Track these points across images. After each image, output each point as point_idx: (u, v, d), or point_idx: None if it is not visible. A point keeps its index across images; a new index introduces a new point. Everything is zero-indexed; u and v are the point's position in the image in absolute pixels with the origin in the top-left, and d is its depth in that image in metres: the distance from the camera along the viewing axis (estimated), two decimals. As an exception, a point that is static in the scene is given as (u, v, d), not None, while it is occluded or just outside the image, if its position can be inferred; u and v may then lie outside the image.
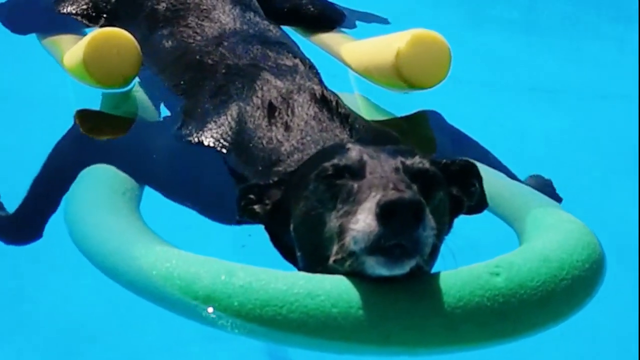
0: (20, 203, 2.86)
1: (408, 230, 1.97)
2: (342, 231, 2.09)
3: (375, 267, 2.01)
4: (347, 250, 2.05)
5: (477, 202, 2.50)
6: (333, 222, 2.14)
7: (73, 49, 3.36)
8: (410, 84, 3.39)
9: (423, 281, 2.09)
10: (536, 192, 2.95)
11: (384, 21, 4.79)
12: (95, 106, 3.32)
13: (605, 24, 5.44)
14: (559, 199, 3.14)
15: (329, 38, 4.12)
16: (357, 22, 4.57)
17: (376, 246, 1.99)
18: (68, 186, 2.80)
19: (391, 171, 2.14)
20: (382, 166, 2.16)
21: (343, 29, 4.29)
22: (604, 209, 3.35)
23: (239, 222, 2.53)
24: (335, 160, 2.21)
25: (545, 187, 3.23)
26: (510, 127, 4.02)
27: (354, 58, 3.76)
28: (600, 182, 3.68)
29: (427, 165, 2.23)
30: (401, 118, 3.41)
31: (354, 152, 2.23)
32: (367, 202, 2.02)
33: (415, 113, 3.44)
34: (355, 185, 2.13)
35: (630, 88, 4.29)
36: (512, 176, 3.17)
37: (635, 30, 4.96)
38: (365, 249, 2.00)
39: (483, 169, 2.62)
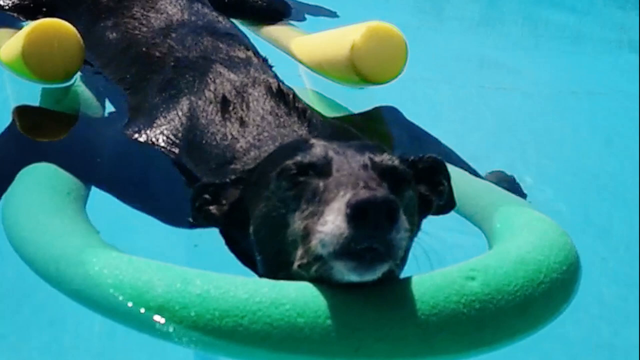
0: None
1: (381, 232, 1.81)
2: (307, 233, 1.93)
3: (345, 272, 1.85)
4: (313, 254, 1.89)
5: (445, 202, 2.35)
6: (297, 223, 1.98)
7: (10, 41, 3.18)
8: (366, 79, 3.26)
9: (394, 287, 1.94)
10: (501, 189, 2.83)
11: (333, 14, 4.67)
12: (35, 102, 3.11)
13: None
14: (523, 195, 3.02)
15: (277, 31, 3.99)
16: (306, 15, 4.42)
17: (346, 250, 1.83)
18: (5, 187, 2.60)
19: (359, 168, 1.98)
20: (349, 163, 2.00)
21: (291, 22, 4.13)
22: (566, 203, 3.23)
23: (192, 225, 2.35)
24: (299, 158, 2.05)
25: (508, 183, 3.11)
26: (467, 123, 3.90)
27: (306, 52, 3.61)
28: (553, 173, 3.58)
29: (396, 162, 2.08)
30: (357, 114, 3.27)
31: (319, 148, 2.07)
32: (336, 201, 1.86)
33: (372, 109, 3.32)
34: (321, 184, 1.97)
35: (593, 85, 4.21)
36: (474, 173, 3.05)
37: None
38: (333, 252, 1.84)
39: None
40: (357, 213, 1.80)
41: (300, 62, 3.63)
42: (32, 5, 3.67)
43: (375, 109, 3.31)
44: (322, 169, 2.01)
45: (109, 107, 3.17)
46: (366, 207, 1.79)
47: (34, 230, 2.25)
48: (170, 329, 1.91)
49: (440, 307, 1.91)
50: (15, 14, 3.67)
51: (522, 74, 4.61)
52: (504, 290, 1.99)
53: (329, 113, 3.11)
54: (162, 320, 1.92)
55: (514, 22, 5.64)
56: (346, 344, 1.86)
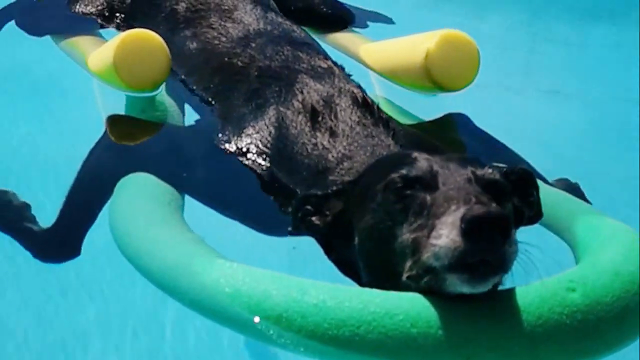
0: (57, 217, 2.75)
1: (494, 246, 1.89)
2: (416, 246, 2.02)
3: (458, 284, 1.94)
4: (424, 266, 1.98)
5: (534, 213, 2.43)
6: (405, 236, 2.07)
7: (99, 51, 3.27)
8: (440, 86, 3.33)
9: (501, 298, 2.03)
10: (575, 198, 2.89)
11: (389, 21, 4.73)
12: (121, 111, 3.21)
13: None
14: (588, 203, 3.10)
15: (344, 38, 4.06)
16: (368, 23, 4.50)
17: (460, 263, 1.91)
18: (106, 197, 2.71)
19: (465, 182, 2.06)
20: (454, 177, 2.08)
21: (355, 29, 4.22)
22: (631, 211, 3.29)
23: (287, 233, 2.45)
24: (404, 171, 2.14)
25: (574, 191, 3.18)
26: (529, 130, 3.96)
27: (377, 59, 3.70)
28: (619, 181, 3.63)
29: (497, 175, 2.16)
30: (429, 121, 3.35)
31: (423, 162, 2.15)
32: (448, 215, 1.94)
33: (442, 116, 3.39)
34: (428, 197, 2.06)
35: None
36: (545, 180, 3.12)
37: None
38: (447, 265, 1.93)
39: None
40: (472, 228, 1.88)
41: (371, 68, 3.69)
42: (108, 13, 3.76)
43: (446, 116, 3.38)
44: (429, 182, 2.10)
45: (190, 115, 3.23)
46: (481, 223, 1.87)
47: (145, 241, 2.35)
48: (288, 338, 2.00)
49: (545, 317, 1.99)
50: (93, 20, 3.76)
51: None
52: (602, 302, 2.07)
53: (400, 120, 3.19)
54: (280, 329, 2.00)
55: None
56: (457, 354, 1.94)
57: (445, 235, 1.92)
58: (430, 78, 3.31)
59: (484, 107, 3.88)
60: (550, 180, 3.23)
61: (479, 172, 2.12)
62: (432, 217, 1.99)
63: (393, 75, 3.58)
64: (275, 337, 2.02)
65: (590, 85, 4.59)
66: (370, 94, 3.21)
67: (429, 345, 1.94)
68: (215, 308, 2.08)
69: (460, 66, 3.30)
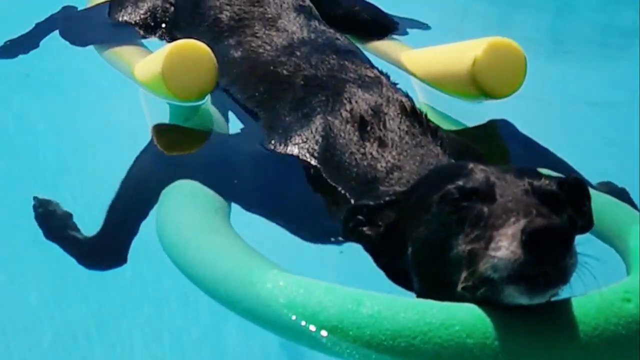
0: (102, 225, 2.77)
1: (555, 258, 1.89)
2: (473, 257, 2.02)
3: (516, 296, 1.94)
4: (481, 277, 1.98)
5: (586, 222, 2.43)
6: (461, 246, 2.07)
7: (146, 60, 3.29)
8: (486, 93, 3.32)
9: (557, 309, 2.02)
10: (624, 204, 2.88)
11: (425, 26, 4.74)
12: (166, 119, 3.23)
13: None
14: (636, 208, 3.08)
15: (385, 45, 4.08)
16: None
17: (520, 275, 1.91)
18: (151, 205, 2.73)
19: (522, 194, 2.06)
20: (511, 188, 2.08)
21: (395, 36, 4.23)
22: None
23: (335, 241, 2.46)
24: (461, 182, 2.14)
25: (621, 196, 3.16)
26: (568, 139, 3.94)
27: (420, 66, 3.69)
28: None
29: (554, 187, 2.16)
30: (473, 127, 3.35)
31: (480, 173, 2.16)
32: (508, 227, 1.94)
33: (486, 123, 3.38)
34: (486, 209, 2.06)
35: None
36: (590, 185, 3.10)
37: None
38: (506, 277, 1.92)
39: None
40: (534, 240, 1.88)
41: (414, 75, 3.70)
42: (153, 22, 3.79)
43: (490, 122, 3.37)
44: (486, 194, 2.10)
45: (234, 123, 3.25)
46: (543, 235, 1.87)
47: (197, 251, 2.36)
48: (343, 348, 2.00)
49: (601, 328, 2.00)
50: (136, 30, 3.78)
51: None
52: (656, 312, 2.07)
53: (445, 127, 3.19)
54: (335, 339, 2.01)
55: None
56: (516, 364, 1.94)
57: (505, 247, 1.92)
58: (476, 85, 3.31)
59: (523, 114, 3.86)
60: (594, 183, 3.20)
61: (536, 183, 2.12)
62: (490, 228, 1.99)
63: (437, 82, 3.58)
64: (330, 346, 2.02)
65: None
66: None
67: (485, 356, 1.96)
68: (271, 318, 2.09)
69: (507, 74, 3.30)
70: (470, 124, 3.42)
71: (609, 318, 2.01)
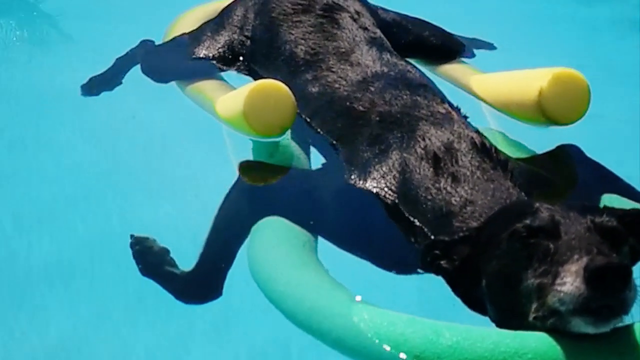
0: (198, 260, 2.99)
1: (616, 292, 2.08)
2: (541, 290, 2.21)
3: (582, 326, 2.13)
4: (550, 309, 2.18)
5: None
6: (530, 280, 2.26)
7: (227, 98, 3.50)
8: (552, 121, 3.49)
9: (622, 336, 2.19)
10: None
11: (491, 46, 4.87)
12: (249, 154, 3.44)
13: None
14: None
15: (454, 70, 4.22)
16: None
17: (584, 308, 2.10)
18: (243, 239, 2.93)
19: (585, 231, 2.25)
20: (575, 226, 2.27)
21: (464, 59, 4.38)
22: None
23: (419, 273, 2.65)
24: (528, 222, 2.33)
25: None
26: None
27: (490, 92, 3.86)
28: None
29: (614, 223, 2.34)
30: (542, 154, 3.50)
31: (545, 212, 2.35)
32: (572, 264, 2.14)
33: (555, 149, 3.53)
34: (552, 246, 2.25)
35: None
36: None
37: None
38: (572, 309, 2.12)
39: (632, 206, 2.77)
40: (595, 277, 2.07)
41: (483, 100, 3.87)
42: (231, 56, 4.00)
43: (559, 148, 3.51)
44: (551, 231, 2.29)
45: (314, 158, 3.45)
46: (604, 273, 2.07)
47: (288, 285, 2.58)
48: (424, 376, 2.21)
49: None
50: (215, 62, 3.99)
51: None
52: None
53: (515, 154, 3.36)
54: None
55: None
56: (584, 389, 2.13)
57: (570, 282, 2.12)
58: (543, 114, 3.47)
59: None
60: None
61: (597, 220, 2.31)
62: (556, 264, 2.19)
63: (505, 108, 3.74)
64: (413, 375, 2.22)
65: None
66: (484, 128, 3.39)
67: (558, 382, 2.12)
68: (357, 349, 2.30)
69: (572, 103, 3.46)
70: (540, 149, 3.55)
71: None
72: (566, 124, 3.52)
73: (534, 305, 2.24)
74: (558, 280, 2.16)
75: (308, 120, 3.49)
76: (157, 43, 4.40)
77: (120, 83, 4.26)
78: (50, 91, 4.42)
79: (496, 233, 2.41)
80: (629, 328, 2.21)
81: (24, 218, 3.48)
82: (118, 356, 2.89)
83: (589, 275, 2.09)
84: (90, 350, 2.92)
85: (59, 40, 5.27)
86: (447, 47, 4.34)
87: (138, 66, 4.26)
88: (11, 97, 4.46)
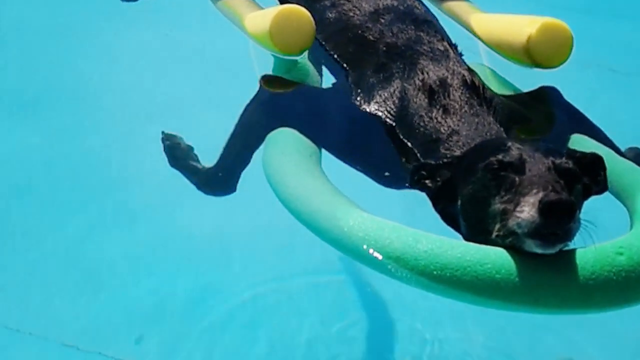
0: (218, 160, 3.50)
1: (562, 223, 2.59)
2: (504, 213, 2.70)
3: (533, 246, 2.62)
4: (508, 230, 2.67)
5: (600, 187, 3.10)
6: (496, 205, 2.75)
7: (256, 16, 3.92)
8: (537, 65, 3.95)
9: (564, 257, 2.68)
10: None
11: None
12: (269, 68, 3.90)
13: None
14: None
15: (457, 7, 4.59)
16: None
17: (536, 232, 2.60)
18: (258, 145, 3.41)
19: (545, 170, 2.74)
20: (537, 165, 2.76)
21: (469, -3, 4.77)
22: None
23: (407, 188, 3.15)
24: (500, 157, 2.81)
25: None
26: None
27: (485, 31, 4.28)
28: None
29: (571, 165, 2.82)
30: (525, 93, 3.92)
31: (515, 150, 2.83)
32: (530, 197, 2.62)
33: (537, 89, 3.94)
34: (517, 179, 2.73)
35: None
36: (619, 151, 3.71)
37: None
38: (526, 233, 2.62)
39: (596, 147, 3.24)
40: (547, 209, 2.58)
41: (479, 38, 4.31)
42: None
43: (540, 88, 3.92)
44: (518, 167, 2.77)
45: (326, 76, 3.90)
46: (554, 206, 2.57)
47: (295, 189, 3.06)
48: (402, 273, 2.72)
49: (597, 274, 2.64)
50: None
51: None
52: (643, 263, 2.73)
53: (501, 91, 3.81)
54: (397, 266, 2.73)
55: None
56: (529, 296, 2.63)
57: (527, 211, 2.61)
58: (529, 57, 3.92)
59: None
60: (623, 149, 3.79)
61: (557, 161, 2.78)
62: (518, 195, 2.68)
63: (497, 48, 4.19)
64: (393, 272, 2.74)
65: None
66: (476, 63, 3.86)
67: (509, 288, 2.62)
68: (350, 247, 2.80)
69: (557, 49, 3.91)
70: (525, 88, 4.00)
71: (604, 266, 2.65)
72: (550, 68, 3.97)
73: (497, 226, 2.72)
74: (518, 208, 2.64)
75: (323, 43, 3.91)
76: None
77: None
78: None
79: (474, 163, 2.88)
80: (571, 252, 2.69)
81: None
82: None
83: (542, 207, 2.57)
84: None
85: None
86: None
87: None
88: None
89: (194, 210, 3.95)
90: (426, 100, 3.35)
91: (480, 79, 3.53)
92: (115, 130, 4.02)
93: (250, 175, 3.42)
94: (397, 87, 3.45)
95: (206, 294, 3.97)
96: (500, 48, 4.16)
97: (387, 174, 3.34)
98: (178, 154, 3.66)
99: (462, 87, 3.36)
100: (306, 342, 3.40)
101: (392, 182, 3.30)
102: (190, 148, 3.65)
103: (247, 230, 4.03)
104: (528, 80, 4.06)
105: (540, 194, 2.59)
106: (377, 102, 3.46)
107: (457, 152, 3.10)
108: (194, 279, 4.02)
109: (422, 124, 3.29)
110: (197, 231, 3.87)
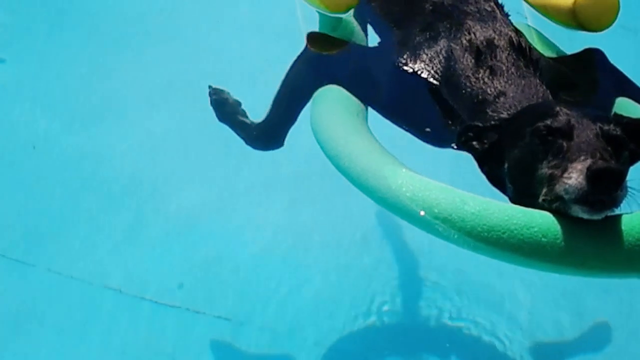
0: (266, 116, 3.54)
1: (609, 190, 2.61)
2: (551, 179, 2.73)
3: (579, 212, 2.65)
4: (555, 195, 2.70)
5: None
6: (544, 169, 2.78)
7: None
8: (583, 27, 3.96)
9: (610, 222, 2.71)
10: None
11: None
12: (315, 25, 3.92)
13: None
14: None
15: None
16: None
17: (583, 199, 2.63)
18: (305, 102, 3.44)
19: (593, 137, 2.76)
20: (586, 132, 2.78)
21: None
22: None
23: (454, 149, 3.17)
24: (548, 122, 2.83)
25: None
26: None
27: None
28: None
29: (618, 132, 2.84)
30: (570, 55, 3.93)
31: (563, 116, 2.85)
32: (578, 163, 2.65)
33: (582, 51, 3.95)
34: (565, 145, 2.76)
35: None
36: None
37: None
38: (573, 198, 2.65)
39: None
40: (594, 177, 2.60)
41: (526, 1, 4.32)
42: None
43: (585, 51, 3.92)
44: (566, 133, 2.79)
45: (371, 36, 3.92)
46: (602, 174, 2.60)
47: (344, 147, 3.10)
48: (450, 234, 2.77)
49: None
50: None
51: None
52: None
53: (547, 52, 3.83)
54: (445, 227, 2.77)
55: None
56: (575, 259, 2.66)
57: (575, 177, 2.64)
58: (575, 19, 3.92)
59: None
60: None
61: (605, 128, 2.80)
62: (566, 160, 2.70)
63: (543, 10, 4.20)
64: (440, 231, 2.78)
65: None
66: (523, 24, 3.86)
67: (555, 252, 2.66)
68: (398, 206, 2.84)
69: (602, 13, 3.91)
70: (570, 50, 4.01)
71: None
72: (595, 31, 3.97)
73: (544, 190, 2.75)
74: (566, 174, 2.66)
75: (369, 1, 3.92)
76: None
77: None
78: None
79: (521, 126, 2.91)
80: (617, 218, 2.72)
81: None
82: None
83: (590, 174, 2.59)
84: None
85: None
86: None
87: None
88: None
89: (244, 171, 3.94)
90: (473, 60, 3.36)
91: (527, 40, 3.51)
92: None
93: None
94: (444, 47, 3.46)
95: (239, 246, 3.93)
96: (546, 10, 4.15)
97: (433, 132, 3.33)
98: (227, 109, 3.68)
99: (509, 48, 3.37)
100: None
101: (439, 140, 3.32)
102: (238, 103, 3.67)
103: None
104: (573, 43, 4.06)
105: (589, 161, 2.61)
106: (422, 61, 3.47)
107: (504, 115, 3.11)
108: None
109: (468, 84, 3.31)
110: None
